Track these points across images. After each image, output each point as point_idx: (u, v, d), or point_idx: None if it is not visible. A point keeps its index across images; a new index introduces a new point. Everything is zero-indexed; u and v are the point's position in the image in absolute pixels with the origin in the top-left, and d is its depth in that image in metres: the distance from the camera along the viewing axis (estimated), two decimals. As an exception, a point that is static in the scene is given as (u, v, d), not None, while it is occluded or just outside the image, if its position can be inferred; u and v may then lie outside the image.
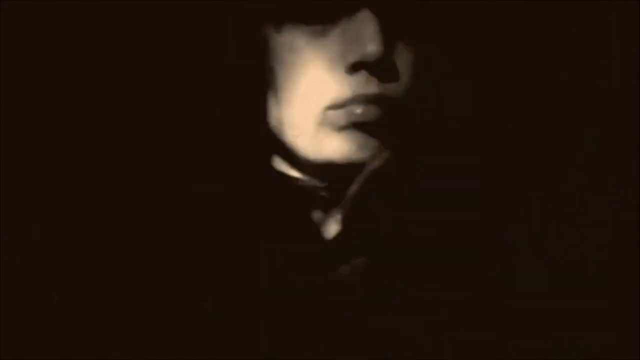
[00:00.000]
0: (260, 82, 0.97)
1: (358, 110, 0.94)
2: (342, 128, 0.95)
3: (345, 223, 1.01)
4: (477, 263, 0.98)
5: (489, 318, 0.94)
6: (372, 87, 0.94)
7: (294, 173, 1.03)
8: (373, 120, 0.95)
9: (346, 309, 0.97)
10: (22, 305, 1.01)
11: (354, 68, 0.94)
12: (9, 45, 1.10)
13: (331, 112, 0.95)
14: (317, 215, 1.03)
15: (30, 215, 1.07)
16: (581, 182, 1.05)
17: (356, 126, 0.95)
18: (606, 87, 1.09)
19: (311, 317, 0.99)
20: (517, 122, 1.08)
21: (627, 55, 1.09)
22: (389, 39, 0.92)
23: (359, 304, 0.97)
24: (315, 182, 1.02)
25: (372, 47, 0.91)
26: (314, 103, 0.95)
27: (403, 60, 0.96)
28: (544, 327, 0.94)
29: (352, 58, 0.93)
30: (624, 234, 1.01)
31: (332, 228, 1.03)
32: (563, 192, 1.04)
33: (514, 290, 0.96)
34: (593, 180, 1.05)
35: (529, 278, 0.97)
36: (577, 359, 0.92)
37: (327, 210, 1.03)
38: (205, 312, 0.97)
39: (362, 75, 0.94)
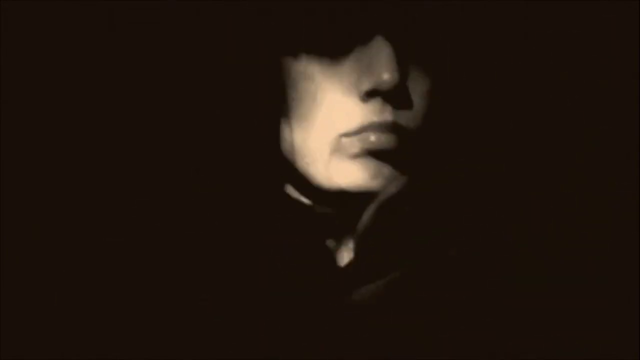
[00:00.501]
0: (274, 108, 0.97)
1: (372, 137, 0.94)
2: (355, 156, 0.95)
3: (358, 251, 1.00)
4: (477, 263, 0.98)
5: (489, 318, 0.94)
6: (386, 115, 0.94)
7: (307, 200, 1.03)
8: (387, 148, 0.94)
9: (346, 309, 0.97)
10: (22, 305, 1.01)
11: (368, 96, 0.93)
12: (9, 45, 1.10)
13: (345, 140, 0.95)
14: (330, 242, 1.03)
15: (30, 215, 1.07)
16: (581, 182, 1.05)
17: (370, 154, 0.95)
18: (606, 87, 1.09)
19: (311, 317, 0.99)
20: (516, 122, 1.08)
21: (627, 55, 1.09)
22: (403, 65, 0.92)
23: (359, 305, 0.97)
24: (328, 210, 1.01)
25: (386, 75, 0.90)
26: (327, 130, 0.95)
27: (418, 87, 0.96)
28: (544, 327, 0.94)
29: (367, 86, 0.93)
30: (624, 234, 1.01)
31: (345, 256, 1.03)
32: (563, 192, 1.04)
33: (514, 290, 0.96)
34: (593, 180, 1.05)
35: (529, 278, 0.97)
36: (577, 359, 0.92)
37: (340, 238, 1.03)
38: (207, 321, 0.97)
39: (376, 103, 0.94)
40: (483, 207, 1.02)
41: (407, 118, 0.96)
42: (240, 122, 0.99)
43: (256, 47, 0.96)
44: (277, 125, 0.98)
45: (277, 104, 0.97)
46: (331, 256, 1.03)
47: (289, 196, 1.03)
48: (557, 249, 0.99)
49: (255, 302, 0.97)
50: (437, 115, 0.98)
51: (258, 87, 0.97)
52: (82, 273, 1.02)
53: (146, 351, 0.96)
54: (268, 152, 0.99)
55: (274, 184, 1.03)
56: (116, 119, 1.10)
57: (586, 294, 0.96)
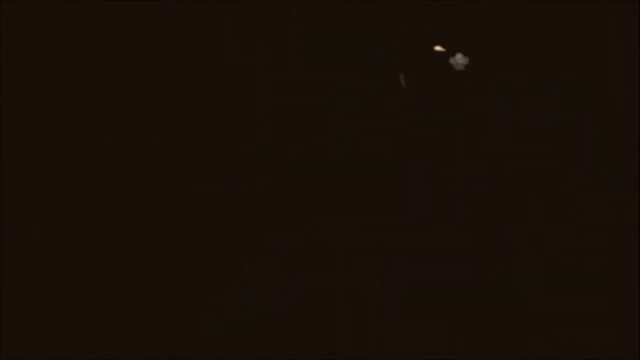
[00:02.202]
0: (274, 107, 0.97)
1: None
2: None
3: None
4: (477, 263, 0.98)
5: (489, 318, 0.94)
6: None
7: None
8: None
9: (346, 308, 0.96)
10: (22, 305, 1.01)
11: None
12: (9, 45, 1.10)
13: None
14: None
15: (30, 215, 1.06)
16: (581, 182, 1.05)
17: None
18: (606, 87, 1.09)
19: (312, 317, 0.99)
20: (517, 122, 1.08)
21: (627, 55, 1.09)
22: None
23: (361, 304, 0.96)
24: None
25: None
26: None
27: None
28: (544, 327, 0.94)
29: None
30: (624, 234, 1.01)
31: None
32: (563, 192, 1.04)
33: (514, 290, 0.96)
34: (593, 180, 1.05)
35: (529, 278, 0.96)
36: (577, 359, 0.92)
37: None
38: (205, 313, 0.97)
39: None
40: (483, 207, 1.02)
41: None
42: (239, 122, 0.99)
43: (256, 47, 0.96)
44: (276, 124, 0.97)
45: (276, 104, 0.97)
46: None
47: None
48: (557, 249, 0.99)
49: (255, 302, 0.97)
50: (437, 116, 0.98)
51: (258, 87, 0.97)
52: (82, 273, 1.02)
53: (146, 351, 0.96)
54: (267, 152, 0.99)
55: (274, 183, 1.03)
56: (116, 118, 1.09)
57: (586, 294, 0.96)
